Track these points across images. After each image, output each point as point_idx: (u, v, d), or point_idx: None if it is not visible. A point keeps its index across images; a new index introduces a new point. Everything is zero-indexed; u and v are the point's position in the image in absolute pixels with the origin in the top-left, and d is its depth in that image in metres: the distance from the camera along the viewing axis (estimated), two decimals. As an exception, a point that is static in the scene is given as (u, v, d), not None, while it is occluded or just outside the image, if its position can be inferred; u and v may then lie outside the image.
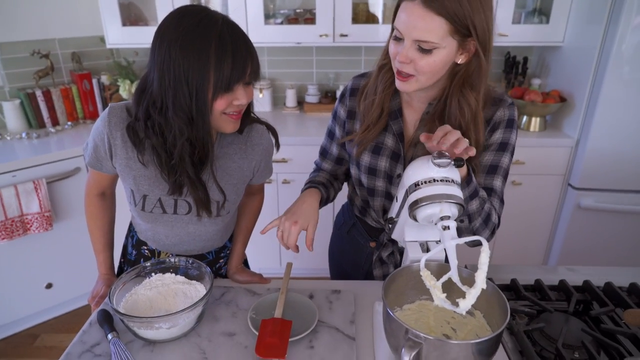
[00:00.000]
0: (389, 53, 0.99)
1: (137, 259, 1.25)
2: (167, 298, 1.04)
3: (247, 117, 1.07)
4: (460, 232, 1.02)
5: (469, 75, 0.96)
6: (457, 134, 0.86)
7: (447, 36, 0.88)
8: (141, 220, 1.14)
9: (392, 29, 0.96)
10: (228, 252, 1.32)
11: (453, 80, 0.99)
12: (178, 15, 0.91)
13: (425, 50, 0.90)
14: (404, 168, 1.09)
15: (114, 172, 1.10)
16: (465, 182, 0.92)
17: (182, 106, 0.92)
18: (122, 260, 1.33)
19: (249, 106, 1.05)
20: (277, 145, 1.17)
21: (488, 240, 1.03)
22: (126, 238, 1.30)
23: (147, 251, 1.23)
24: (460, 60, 0.94)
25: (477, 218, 1.00)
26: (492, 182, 1.06)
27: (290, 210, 1.07)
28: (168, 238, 1.17)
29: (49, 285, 2.34)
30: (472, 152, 0.86)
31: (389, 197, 1.16)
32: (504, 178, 1.08)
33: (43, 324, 2.42)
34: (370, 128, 1.10)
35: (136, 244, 1.25)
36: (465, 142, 0.85)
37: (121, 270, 1.34)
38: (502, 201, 1.09)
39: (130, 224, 1.29)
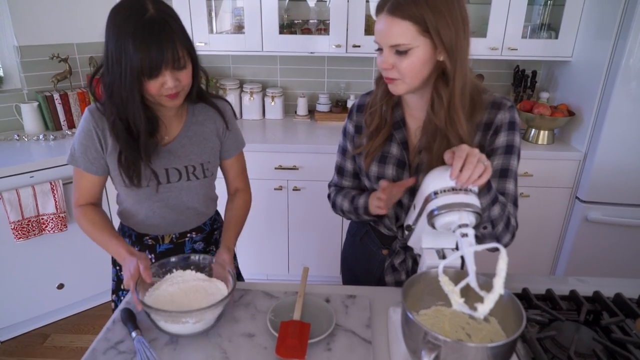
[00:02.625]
0: (377, 65, 1.06)
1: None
2: (188, 294, 1.07)
3: (204, 94, 1.25)
4: (484, 239, 1.07)
5: (446, 71, 1.01)
6: (476, 155, 0.87)
7: (418, 36, 0.95)
8: (138, 204, 1.23)
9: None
10: (220, 225, 1.44)
11: None
12: (115, 9, 1.03)
13: (401, 52, 0.97)
14: (410, 175, 1.15)
15: (105, 172, 1.20)
16: (485, 190, 0.95)
17: (114, 88, 1.04)
18: (118, 268, 1.36)
19: (195, 87, 1.16)
20: (235, 114, 1.34)
21: (509, 243, 1.08)
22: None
23: (150, 240, 1.30)
24: (442, 57, 0.99)
25: (499, 223, 1.03)
26: (505, 185, 1.09)
27: None
28: (165, 218, 1.26)
29: (61, 286, 2.37)
30: (487, 176, 0.88)
31: (400, 205, 1.20)
32: (515, 180, 1.11)
33: (53, 324, 2.45)
34: (374, 136, 1.16)
35: (137, 240, 1.31)
36: (481, 168, 0.87)
37: (118, 279, 1.36)
38: (516, 204, 1.11)
39: (121, 229, 1.35)
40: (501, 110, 1.08)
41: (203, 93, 1.25)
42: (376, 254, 1.31)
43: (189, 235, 1.33)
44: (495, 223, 1.02)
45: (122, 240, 1.16)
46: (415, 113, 1.14)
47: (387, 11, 0.96)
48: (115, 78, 1.03)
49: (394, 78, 1.02)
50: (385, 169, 1.17)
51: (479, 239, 1.08)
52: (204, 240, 1.37)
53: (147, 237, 1.31)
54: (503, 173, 1.09)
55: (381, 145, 1.17)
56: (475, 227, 0.94)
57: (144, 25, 0.99)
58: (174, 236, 1.31)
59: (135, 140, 1.12)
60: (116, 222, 1.36)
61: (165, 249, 1.31)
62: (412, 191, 1.14)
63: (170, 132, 1.22)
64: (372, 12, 2.56)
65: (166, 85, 1.04)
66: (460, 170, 0.86)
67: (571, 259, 2.51)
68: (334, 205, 1.31)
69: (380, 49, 1.02)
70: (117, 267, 1.37)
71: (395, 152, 1.16)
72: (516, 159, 1.10)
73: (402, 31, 0.95)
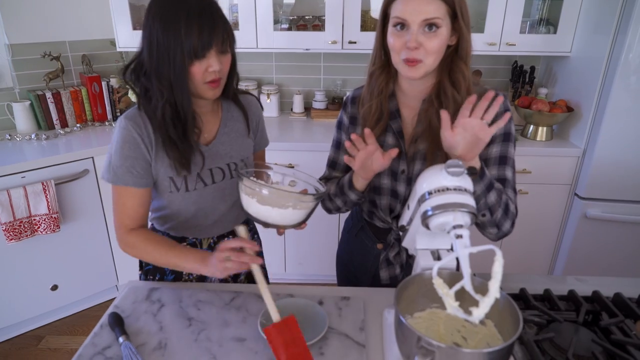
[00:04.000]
0: (391, 47, 1.06)
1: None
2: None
3: (235, 89, 1.23)
4: (484, 227, 1.08)
5: (457, 50, 1.06)
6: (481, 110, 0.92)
7: (446, 16, 1.00)
8: (184, 207, 1.19)
9: (382, 32, 1.09)
10: (252, 226, 1.43)
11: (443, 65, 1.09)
12: None
13: (432, 29, 0.99)
14: (407, 164, 1.16)
15: (152, 183, 1.16)
16: (478, 177, 0.96)
17: (163, 72, 1.03)
18: (144, 272, 1.31)
19: (233, 81, 1.18)
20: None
21: (510, 230, 1.10)
22: None
23: (188, 246, 1.25)
24: (451, 41, 1.05)
25: (497, 209, 1.04)
26: (505, 172, 1.11)
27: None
28: (208, 217, 1.23)
29: (55, 287, 2.35)
30: (493, 130, 0.93)
31: (395, 195, 1.20)
32: (513, 168, 1.13)
33: (48, 326, 2.43)
34: (372, 129, 1.15)
35: None
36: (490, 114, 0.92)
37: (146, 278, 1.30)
38: (515, 190, 1.13)
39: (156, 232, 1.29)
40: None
41: (235, 90, 1.25)
42: (371, 248, 1.31)
43: (226, 239, 1.28)
44: (493, 210, 1.03)
45: (190, 250, 1.13)
46: (412, 103, 1.15)
47: None
48: (162, 62, 1.02)
49: (418, 59, 1.02)
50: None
51: (479, 227, 1.10)
52: None
53: (186, 243, 1.26)
54: (502, 160, 1.11)
55: (378, 137, 1.17)
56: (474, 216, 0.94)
57: (195, 4, 1.00)
58: (212, 241, 1.28)
59: (182, 127, 1.10)
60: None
61: None
62: (409, 180, 1.16)
63: (210, 130, 1.20)
64: (368, 7, 2.53)
65: (211, 68, 1.04)
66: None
67: (570, 256, 2.49)
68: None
69: (401, 27, 1.02)
70: (141, 272, 1.32)
71: (391, 141, 1.17)
72: (513, 147, 1.13)
73: (437, 7, 0.98)
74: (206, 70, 1.04)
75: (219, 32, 1.02)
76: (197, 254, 1.09)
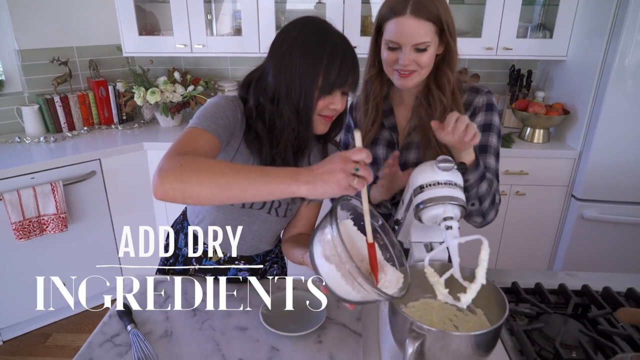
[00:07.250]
0: (385, 61, 1.16)
1: (188, 257, 1.28)
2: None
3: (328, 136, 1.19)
4: (471, 216, 1.13)
5: (444, 58, 1.16)
6: (466, 119, 0.95)
7: (434, 35, 1.10)
8: (215, 212, 1.18)
9: (375, 44, 1.19)
10: (274, 255, 1.35)
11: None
12: (302, 22, 1.04)
13: (422, 50, 1.09)
14: (401, 153, 1.25)
15: (222, 145, 1.01)
16: (474, 166, 1.03)
17: (292, 100, 1.03)
18: (165, 257, 1.34)
19: (335, 128, 1.16)
20: None
21: (493, 219, 1.16)
22: (177, 233, 1.33)
23: (197, 250, 1.27)
24: (439, 51, 1.15)
25: (486, 199, 1.10)
26: (486, 160, 1.17)
27: None
28: (226, 235, 1.21)
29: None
30: (477, 139, 0.96)
31: None
32: (496, 157, 1.19)
33: (55, 324, 2.48)
34: (369, 129, 1.27)
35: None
36: (473, 128, 0.95)
37: (164, 271, 1.34)
38: (497, 179, 1.19)
39: (182, 221, 1.32)
40: (479, 94, 1.19)
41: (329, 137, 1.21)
42: None
43: (236, 262, 1.28)
44: (482, 199, 1.09)
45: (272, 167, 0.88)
46: (405, 101, 1.26)
47: (411, 13, 1.06)
48: (292, 88, 1.01)
49: (412, 71, 1.12)
50: (375, 149, 1.27)
51: (467, 216, 1.15)
52: (251, 270, 1.30)
53: (196, 247, 1.26)
54: (482, 149, 1.17)
55: (375, 134, 1.28)
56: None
57: (340, 42, 1.02)
58: (221, 258, 1.27)
59: (299, 153, 1.11)
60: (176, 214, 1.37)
61: (208, 267, 1.27)
62: (402, 167, 1.23)
63: None
64: (369, 12, 2.59)
65: (332, 106, 1.04)
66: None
67: (567, 257, 2.52)
68: None
69: (394, 48, 1.11)
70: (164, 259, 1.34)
71: (386, 135, 1.27)
72: (495, 137, 1.19)
73: (426, 31, 1.08)
74: (327, 106, 1.04)
75: (354, 75, 1.03)
76: (287, 168, 0.82)
